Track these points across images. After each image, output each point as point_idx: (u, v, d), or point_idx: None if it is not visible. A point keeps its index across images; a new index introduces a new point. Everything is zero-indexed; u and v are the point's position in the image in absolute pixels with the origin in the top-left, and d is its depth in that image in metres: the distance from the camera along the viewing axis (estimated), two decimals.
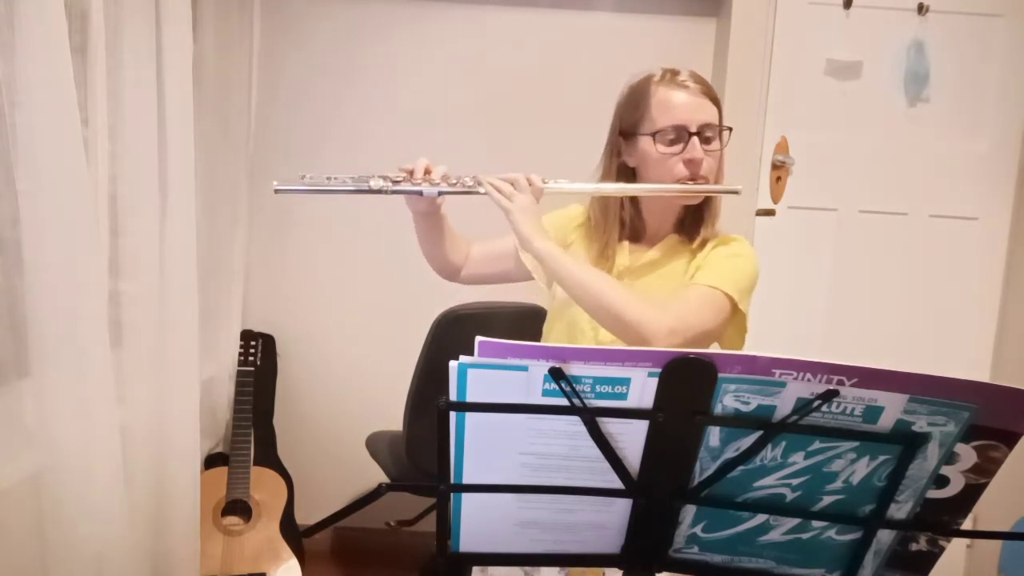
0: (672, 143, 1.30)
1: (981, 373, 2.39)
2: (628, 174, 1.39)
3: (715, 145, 1.32)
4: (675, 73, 1.33)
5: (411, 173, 1.31)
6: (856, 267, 2.41)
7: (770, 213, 2.39)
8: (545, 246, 1.27)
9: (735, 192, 1.34)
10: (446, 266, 1.47)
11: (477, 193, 1.30)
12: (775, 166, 2.38)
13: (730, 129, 1.34)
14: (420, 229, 1.42)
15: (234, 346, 2.34)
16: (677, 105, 1.30)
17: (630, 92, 1.37)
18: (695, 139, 1.29)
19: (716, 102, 1.33)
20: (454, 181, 1.30)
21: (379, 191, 1.27)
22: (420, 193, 1.30)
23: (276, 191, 1.28)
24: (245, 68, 2.31)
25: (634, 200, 1.40)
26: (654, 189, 1.33)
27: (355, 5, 2.44)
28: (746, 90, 2.34)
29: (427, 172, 1.31)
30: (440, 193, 1.31)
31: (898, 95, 2.35)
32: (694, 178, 1.31)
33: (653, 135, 1.31)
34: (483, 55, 2.46)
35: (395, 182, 1.28)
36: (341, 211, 2.46)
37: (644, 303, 1.22)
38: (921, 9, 2.31)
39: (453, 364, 0.77)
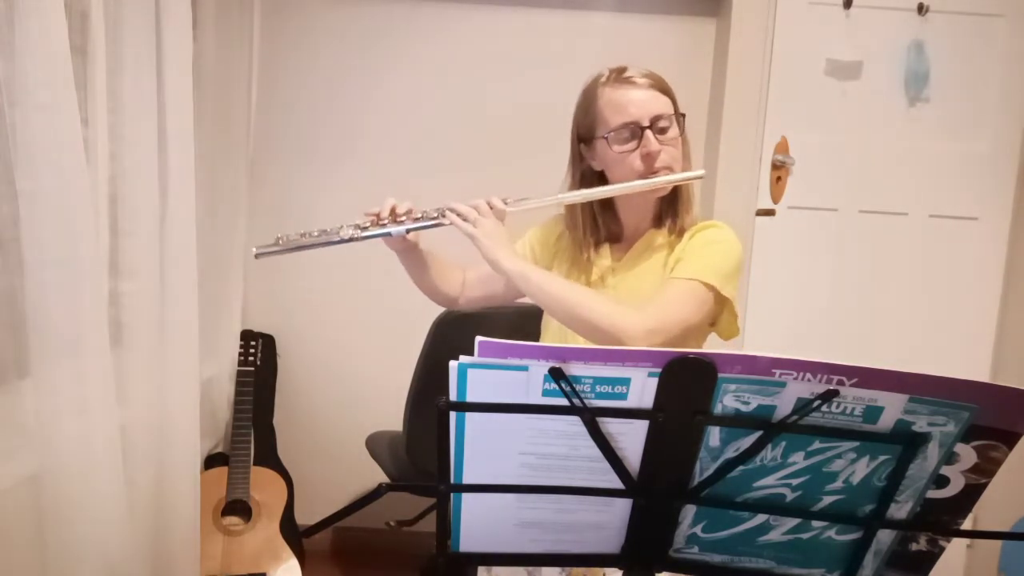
0: (627, 140, 1.31)
1: (981, 373, 2.39)
2: (595, 178, 1.40)
3: (672, 134, 1.33)
4: (621, 71, 1.34)
5: (378, 216, 1.35)
6: (856, 267, 2.41)
7: (770, 213, 2.39)
8: (514, 266, 1.28)
9: (699, 177, 1.34)
10: (440, 296, 1.50)
11: (442, 225, 1.33)
12: (775, 166, 2.38)
13: (684, 115, 1.34)
14: (405, 266, 1.45)
15: (234, 346, 2.34)
16: (626, 103, 1.31)
17: (582, 97, 1.38)
18: (648, 132, 1.30)
19: (667, 92, 1.33)
20: (419, 216, 1.34)
21: (350, 239, 1.33)
22: (389, 234, 1.35)
23: (257, 256, 1.35)
24: (245, 68, 2.31)
25: (607, 203, 1.41)
26: (616, 189, 1.34)
27: (354, 5, 2.44)
28: (746, 90, 2.34)
29: (393, 211, 1.35)
30: (408, 230, 1.35)
31: (898, 95, 2.35)
32: (653, 171, 1.31)
33: (607, 137, 1.32)
34: (483, 54, 2.46)
35: (363, 228, 1.34)
36: (341, 212, 2.45)
37: (618, 307, 1.24)
38: (921, 9, 2.30)
39: (453, 364, 0.77)
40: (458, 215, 1.31)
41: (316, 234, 1.35)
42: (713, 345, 1.38)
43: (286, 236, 1.35)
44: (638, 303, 1.29)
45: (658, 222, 1.40)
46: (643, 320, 1.21)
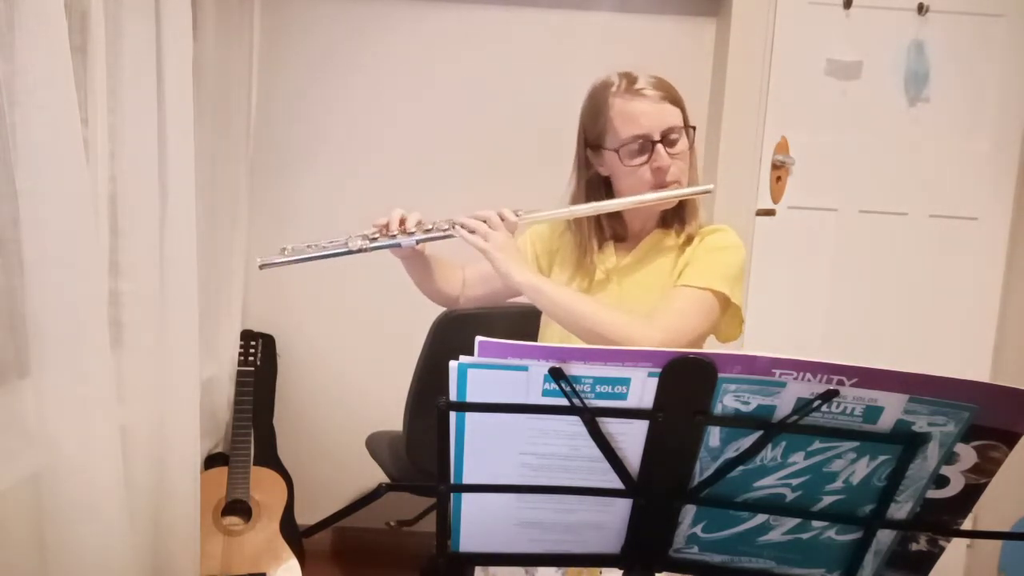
0: (637, 154, 1.30)
1: (981, 373, 2.39)
2: (601, 183, 1.39)
3: (681, 146, 1.32)
4: (632, 81, 1.32)
5: (386, 227, 1.35)
6: (856, 267, 2.41)
7: (770, 213, 2.39)
8: (526, 279, 1.28)
9: (707, 191, 1.34)
10: (441, 298, 1.50)
11: (452, 236, 1.33)
12: (775, 166, 2.38)
13: (694, 128, 1.34)
14: (409, 271, 1.45)
15: (234, 346, 2.34)
16: (638, 116, 1.30)
17: (590, 103, 1.37)
18: (659, 147, 1.29)
19: (677, 103, 1.33)
20: (429, 227, 1.34)
21: (359, 250, 1.33)
22: (398, 245, 1.34)
23: (261, 267, 1.34)
24: (245, 68, 2.31)
25: None
26: (625, 203, 1.34)
27: (355, 5, 2.44)
28: (746, 90, 2.34)
29: (402, 222, 1.35)
30: (417, 241, 1.34)
31: (898, 95, 2.35)
32: (663, 184, 1.31)
33: (618, 149, 1.31)
34: (483, 54, 2.46)
35: (371, 239, 1.34)
36: (341, 212, 2.46)
37: (627, 318, 1.24)
38: (921, 9, 2.30)
39: (453, 364, 0.77)
40: (469, 229, 1.31)
41: (323, 245, 1.34)
42: (712, 346, 1.38)
43: (292, 247, 1.35)
44: (644, 303, 1.29)
45: (663, 223, 1.41)
46: (654, 331, 1.22)
